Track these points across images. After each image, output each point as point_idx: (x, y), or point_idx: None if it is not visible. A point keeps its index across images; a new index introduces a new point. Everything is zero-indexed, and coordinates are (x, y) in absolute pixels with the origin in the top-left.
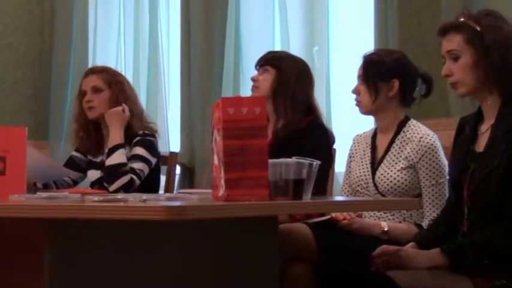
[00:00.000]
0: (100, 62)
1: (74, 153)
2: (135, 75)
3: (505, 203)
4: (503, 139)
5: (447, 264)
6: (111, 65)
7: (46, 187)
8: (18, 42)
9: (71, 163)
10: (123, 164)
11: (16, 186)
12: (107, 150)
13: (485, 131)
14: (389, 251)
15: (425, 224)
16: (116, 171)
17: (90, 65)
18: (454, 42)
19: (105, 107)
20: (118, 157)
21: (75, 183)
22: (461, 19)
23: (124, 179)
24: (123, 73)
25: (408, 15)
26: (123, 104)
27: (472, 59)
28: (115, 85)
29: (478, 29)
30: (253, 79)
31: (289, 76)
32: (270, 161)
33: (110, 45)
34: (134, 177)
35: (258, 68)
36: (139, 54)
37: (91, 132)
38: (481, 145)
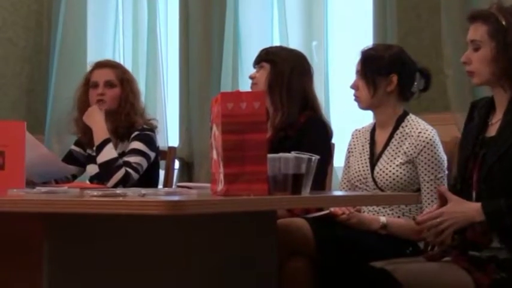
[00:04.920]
0: (98, 57)
1: (73, 147)
2: (134, 70)
3: None
4: None
5: (484, 222)
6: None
7: (45, 181)
8: (16, 36)
9: (70, 157)
10: (115, 159)
11: (15, 180)
12: (94, 148)
13: (496, 121)
14: (428, 216)
15: (419, 218)
16: (110, 167)
17: (88, 60)
18: (478, 32)
19: (114, 103)
20: (108, 153)
21: (74, 177)
22: (492, 10)
23: (119, 174)
24: None
25: (407, 9)
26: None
27: (491, 52)
28: (126, 83)
29: (504, 23)
30: (251, 77)
31: (284, 68)
32: (269, 155)
33: (108, 40)
34: (130, 170)
35: (255, 66)
36: (138, 49)
37: None
38: (491, 133)
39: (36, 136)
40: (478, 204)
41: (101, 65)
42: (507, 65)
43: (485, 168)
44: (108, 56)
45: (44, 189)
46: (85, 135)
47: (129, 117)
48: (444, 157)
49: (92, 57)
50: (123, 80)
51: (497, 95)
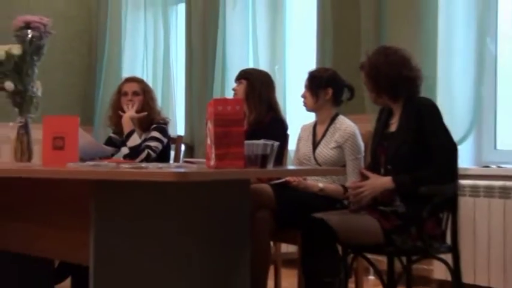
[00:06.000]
0: (130, 73)
1: (112, 135)
2: (154, 83)
3: (416, 162)
4: (407, 123)
5: (394, 189)
6: (138, 75)
7: (92, 158)
8: (73, 58)
9: (109, 141)
10: (139, 145)
11: (71, 157)
12: (124, 136)
13: (393, 122)
14: (355, 186)
15: (347, 184)
16: (137, 149)
17: (123, 75)
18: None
19: (139, 106)
20: (134, 140)
21: (112, 155)
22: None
23: (143, 155)
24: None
25: (339, 44)
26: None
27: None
28: (147, 93)
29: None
30: (233, 89)
31: (256, 84)
32: (246, 142)
33: (138, 62)
34: (151, 152)
35: (236, 81)
36: (156, 69)
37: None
38: (392, 129)
39: (87, 127)
40: (389, 178)
41: (129, 79)
42: (386, 88)
43: (390, 154)
44: (138, 73)
45: (91, 163)
46: (116, 127)
47: (149, 116)
48: (362, 144)
49: (126, 74)
50: (144, 90)
51: (393, 106)
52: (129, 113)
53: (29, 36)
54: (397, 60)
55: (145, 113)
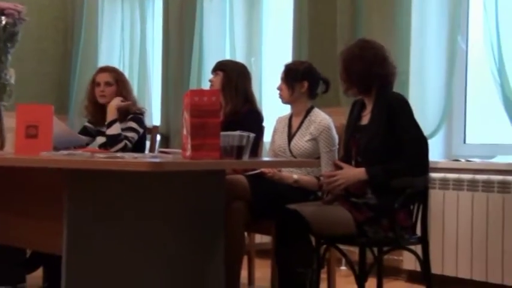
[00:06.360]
0: (106, 63)
1: (87, 124)
2: (130, 72)
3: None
4: (379, 117)
5: (367, 180)
6: (115, 64)
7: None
8: (48, 46)
9: (84, 131)
10: (119, 134)
11: (45, 146)
12: (106, 123)
13: (365, 114)
14: (328, 175)
15: (322, 181)
16: (116, 139)
17: (99, 64)
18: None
19: (111, 97)
20: (115, 129)
21: (87, 144)
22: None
23: (120, 145)
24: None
25: (315, 38)
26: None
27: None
28: (121, 82)
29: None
30: (210, 80)
31: (232, 75)
32: (222, 133)
33: (115, 51)
34: (127, 142)
35: (212, 72)
36: (133, 59)
37: (98, 110)
38: (364, 122)
39: (61, 116)
40: (363, 169)
41: (102, 69)
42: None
43: (361, 146)
44: (115, 62)
45: (65, 152)
46: (92, 117)
47: (124, 106)
48: (336, 136)
49: (102, 63)
50: (118, 80)
51: (366, 98)
52: (115, 102)
53: (3, 23)
54: (369, 56)
55: (130, 102)
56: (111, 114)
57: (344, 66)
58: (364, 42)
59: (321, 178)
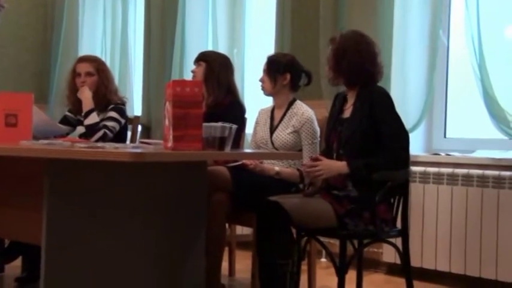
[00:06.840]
0: (88, 52)
1: (67, 113)
2: (112, 62)
3: (367, 148)
4: (361, 110)
5: (349, 174)
6: (97, 53)
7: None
8: (27, 34)
9: (64, 120)
10: (97, 123)
11: (25, 135)
12: (83, 114)
13: (347, 107)
14: (310, 164)
15: (303, 169)
16: (94, 128)
17: (80, 53)
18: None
19: (92, 87)
20: (92, 118)
21: (67, 134)
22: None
23: (99, 133)
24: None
25: (298, 30)
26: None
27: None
28: (102, 72)
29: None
30: (192, 71)
31: (215, 66)
32: (204, 124)
33: (96, 40)
34: (107, 131)
35: (195, 63)
36: (114, 47)
37: (79, 100)
38: (346, 115)
39: (41, 105)
40: (344, 163)
41: (82, 59)
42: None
43: (343, 139)
44: (97, 51)
45: (45, 141)
46: (74, 106)
47: (105, 96)
48: (318, 129)
49: (83, 52)
50: (99, 70)
51: (348, 91)
52: (87, 92)
53: None
54: (364, 51)
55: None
56: (87, 104)
57: (335, 56)
58: (360, 37)
59: (302, 167)
